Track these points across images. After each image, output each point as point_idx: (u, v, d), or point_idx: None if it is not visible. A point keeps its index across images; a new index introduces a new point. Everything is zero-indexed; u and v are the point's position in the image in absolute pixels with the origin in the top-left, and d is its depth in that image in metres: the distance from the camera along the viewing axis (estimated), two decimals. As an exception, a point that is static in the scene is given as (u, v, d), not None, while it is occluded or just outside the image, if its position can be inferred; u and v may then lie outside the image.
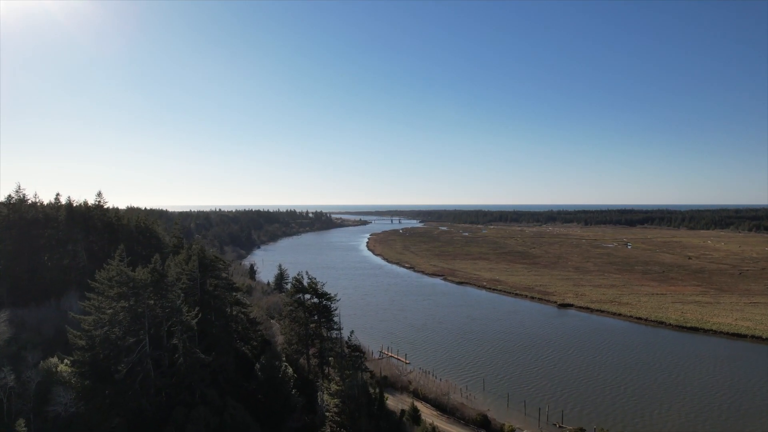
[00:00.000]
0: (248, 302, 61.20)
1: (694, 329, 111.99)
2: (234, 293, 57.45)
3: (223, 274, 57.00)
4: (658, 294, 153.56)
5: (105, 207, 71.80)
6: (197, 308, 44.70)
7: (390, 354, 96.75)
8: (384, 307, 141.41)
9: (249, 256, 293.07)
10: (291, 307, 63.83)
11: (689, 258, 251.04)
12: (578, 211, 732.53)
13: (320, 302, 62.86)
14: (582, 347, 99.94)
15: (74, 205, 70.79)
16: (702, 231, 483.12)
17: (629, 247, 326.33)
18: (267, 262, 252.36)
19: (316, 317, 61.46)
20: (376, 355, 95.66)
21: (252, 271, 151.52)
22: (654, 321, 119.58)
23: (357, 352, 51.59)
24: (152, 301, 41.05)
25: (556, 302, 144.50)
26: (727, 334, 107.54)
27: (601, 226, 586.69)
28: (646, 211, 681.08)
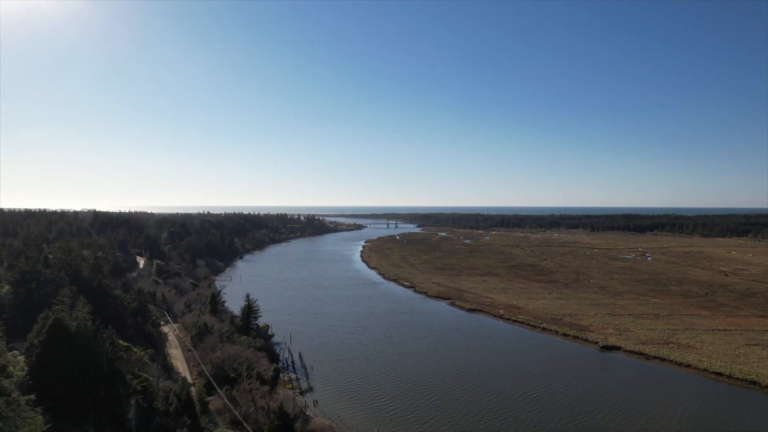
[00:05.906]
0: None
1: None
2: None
3: None
4: (720, 330, 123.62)
5: None
6: None
7: (387, 447, 66.43)
8: (379, 347, 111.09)
9: (228, 269, 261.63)
10: None
11: (725, 275, 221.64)
12: (583, 216, 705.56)
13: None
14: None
15: None
16: (719, 239, 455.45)
17: (649, 258, 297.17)
18: (246, 277, 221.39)
19: None
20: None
21: (214, 302, 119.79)
22: (741, 379, 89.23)
23: None
24: None
25: (596, 342, 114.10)
26: None
27: (609, 232, 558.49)
28: (653, 216, 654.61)
